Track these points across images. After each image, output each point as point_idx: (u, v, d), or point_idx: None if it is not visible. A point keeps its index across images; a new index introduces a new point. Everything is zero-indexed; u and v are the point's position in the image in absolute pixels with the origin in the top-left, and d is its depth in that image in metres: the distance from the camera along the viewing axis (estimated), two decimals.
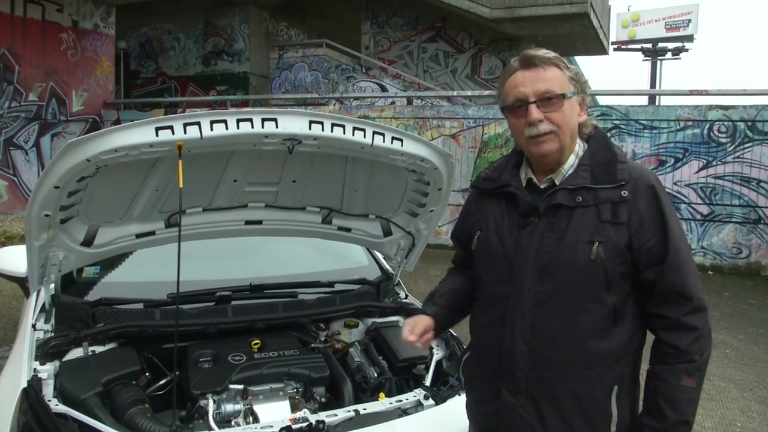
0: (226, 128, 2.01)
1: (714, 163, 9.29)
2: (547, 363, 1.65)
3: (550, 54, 1.69)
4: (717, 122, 9.21)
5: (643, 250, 1.60)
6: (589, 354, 1.63)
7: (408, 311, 3.07)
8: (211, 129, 1.99)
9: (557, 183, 1.69)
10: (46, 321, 2.65)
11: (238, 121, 2.02)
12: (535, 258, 1.66)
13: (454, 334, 2.93)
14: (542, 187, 1.72)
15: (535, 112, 1.64)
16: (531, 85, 1.65)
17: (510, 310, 1.70)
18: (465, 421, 2.11)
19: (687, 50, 24.13)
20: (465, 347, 2.02)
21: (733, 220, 9.26)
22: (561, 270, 1.63)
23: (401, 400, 2.35)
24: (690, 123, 9.36)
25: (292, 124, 2.09)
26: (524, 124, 1.67)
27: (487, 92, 13.03)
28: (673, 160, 9.51)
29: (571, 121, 1.67)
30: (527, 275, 1.67)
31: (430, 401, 2.37)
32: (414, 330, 1.88)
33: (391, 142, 2.29)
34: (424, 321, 1.91)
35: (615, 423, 1.64)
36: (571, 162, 1.70)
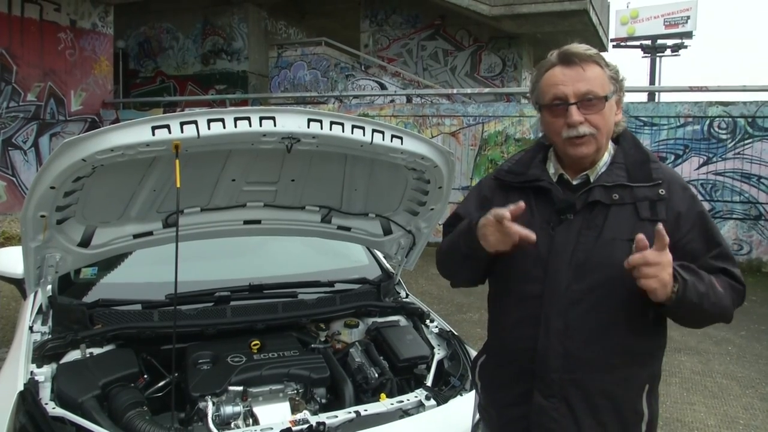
0: (224, 127, 1.98)
1: (714, 159, 9.27)
2: (582, 363, 1.61)
3: (592, 51, 1.63)
4: (717, 118, 9.20)
5: (678, 246, 1.56)
6: (626, 353, 1.61)
7: (408, 310, 3.05)
8: (209, 128, 1.97)
9: (592, 180, 1.66)
10: (44, 323, 2.63)
11: (236, 119, 2.00)
12: (572, 256, 1.62)
13: (455, 333, 2.92)
14: (575, 183, 1.69)
15: (576, 114, 1.59)
16: (572, 85, 1.59)
17: (545, 310, 1.64)
18: (467, 422, 2.09)
19: (686, 47, 24.13)
20: (480, 350, 1.94)
21: (734, 216, 9.25)
22: (599, 268, 1.59)
23: (402, 401, 2.33)
24: (690, 119, 9.34)
25: (291, 122, 2.07)
26: (563, 125, 1.62)
27: (486, 90, 13.02)
28: (673, 157, 9.49)
29: (610, 122, 1.64)
30: (563, 273, 1.62)
31: (432, 402, 2.34)
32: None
33: (391, 140, 2.27)
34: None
35: (645, 422, 1.64)
36: (605, 160, 1.69)
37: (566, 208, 1.66)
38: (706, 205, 9.24)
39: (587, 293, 1.60)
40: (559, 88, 1.61)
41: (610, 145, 1.71)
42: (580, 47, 1.63)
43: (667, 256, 1.46)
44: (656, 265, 1.44)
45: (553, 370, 1.63)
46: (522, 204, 1.57)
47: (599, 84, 1.59)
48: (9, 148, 11.87)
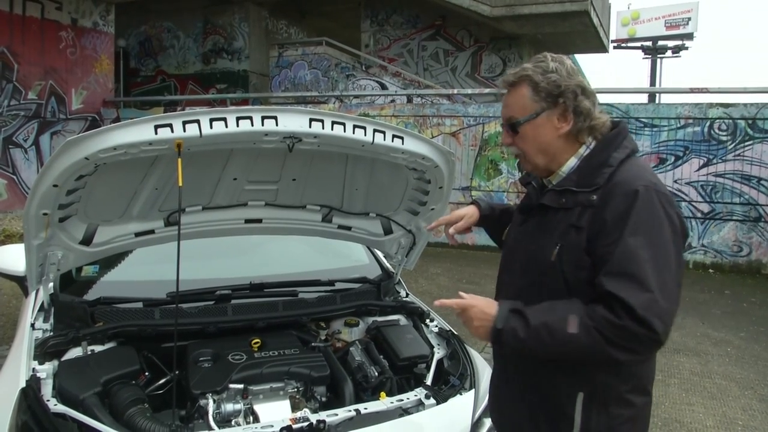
0: (226, 126, 1.99)
1: (714, 161, 9.28)
2: (518, 357, 1.72)
3: (522, 72, 1.68)
4: (717, 120, 9.21)
5: (597, 254, 1.54)
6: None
7: (408, 310, 3.06)
8: (211, 127, 1.98)
9: (554, 183, 1.72)
10: (45, 320, 2.64)
11: (238, 119, 2.01)
12: (523, 252, 1.74)
13: (455, 332, 2.92)
14: (549, 187, 1.75)
15: (504, 137, 1.76)
16: (503, 110, 1.74)
17: (501, 294, 1.81)
18: (466, 421, 2.10)
19: (687, 48, 24.13)
20: None
21: (734, 218, 9.26)
22: (533, 268, 1.67)
23: (402, 400, 2.34)
24: (690, 121, 9.35)
25: (292, 122, 2.08)
26: None
27: (487, 90, 13.02)
28: (673, 158, 9.50)
29: (537, 141, 1.68)
30: (511, 269, 1.79)
31: (432, 400, 2.35)
32: (458, 225, 2.09)
33: (392, 140, 2.28)
34: (471, 218, 2.11)
35: (578, 428, 1.61)
36: (570, 164, 1.71)
37: (525, 210, 1.80)
38: (705, 207, 9.30)
39: (523, 290, 1.69)
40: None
41: (585, 148, 1.70)
42: (511, 72, 1.71)
43: (467, 313, 1.62)
44: (463, 314, 1.64)
45: (508, 359, 1.80)
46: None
47: (519, 107, 1.68)
48: (10, 147, 11.87)
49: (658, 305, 1.45)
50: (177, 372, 2.29)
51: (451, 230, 2.10)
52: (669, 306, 1.48)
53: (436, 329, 2.95)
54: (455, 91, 13.56)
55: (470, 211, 2.12)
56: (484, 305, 1.61)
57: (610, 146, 1.67)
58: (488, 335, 1.60)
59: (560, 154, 1.70)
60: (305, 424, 2.09)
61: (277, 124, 2.05)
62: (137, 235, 2.61)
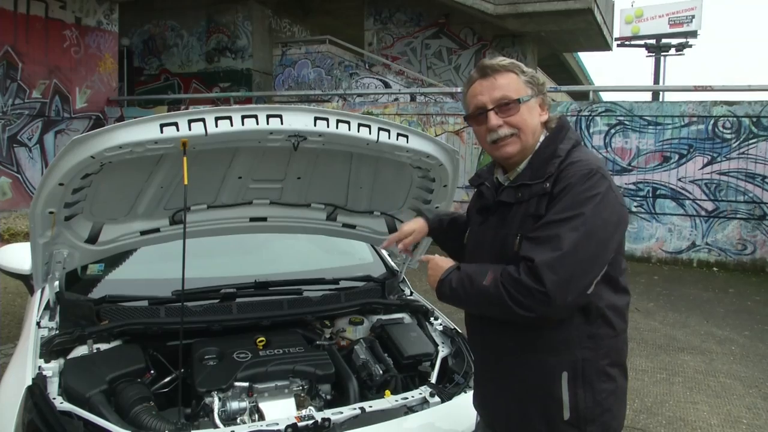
0: (231, 125, 2.00)
1: (719, 159, 9.26)
2: (499, 348, 1.78)
3: (505, 61, 1.79)
4: (722, 118, 9.18)
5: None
6: (532, 340, 1.69)
7: (413, 308, 3.07)
8: (216, 126, 1.99)
9: (511, 180, 1.80)
10: (51, 318, 2.64)
11: (243, 117, 2.01)
12: (488, 250, 1.79)
13: (460, 331, 2.92)
14: (506, 185, 1.81)
15: (493, 119, 1.75)
16: (488, 94, 1.75)
17: None
18: (471, 419, 2.10)
19: (691, 46, 24.04)
20: None
21: (738, 216, 9.24)
22: (501, 260, 1.70)
23: (407, 398, 2.34)
24: (694, 119, 9.33)
25: (297, 120, 2.08)
26: (485, 131, 1.78)
27: None
28: (677, 156, 9.48)
29: (531, 122, 1.76)
30: None
31: (436, 398, 2.35)
32: (405, 241, 2.16)
33: (397, 139, 2.28)
34: (420, 233, 2.18)
35: (568, 408, 1.67)
36: (526, 160, 1.79)
37: (483, 209, 1.86)
38: (709, 205, 9.28)
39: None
40: (478, 98, 1.78)
41: (539, 146, 1.79)
42: (494, 60, 1.79)
43: (429, 265, 1.84)
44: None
45: (481, 356, 1.89)
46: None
47: (513, 89, 1.74)
48: (14, 145, 11.90)
49: (560, 265, 1.53)
50: (182, 370, 2.30)
51: (400, 246, 2.17)
52: (571, 273, 1.54)
53: (440, 327, 2.95)
54: (459, 90, 13.51)
55: (418, 226, 2.18)
56: (441, 261, 1.82)
57: (555, 139, 1.77)
58: (435, 285, 1.78)
59: (534, 143, 1.79)
60: (310, 422, 2.09)
61: (282, 123, 2.06)
62: (142, 233, 2.62)
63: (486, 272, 1.65)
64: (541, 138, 1.80)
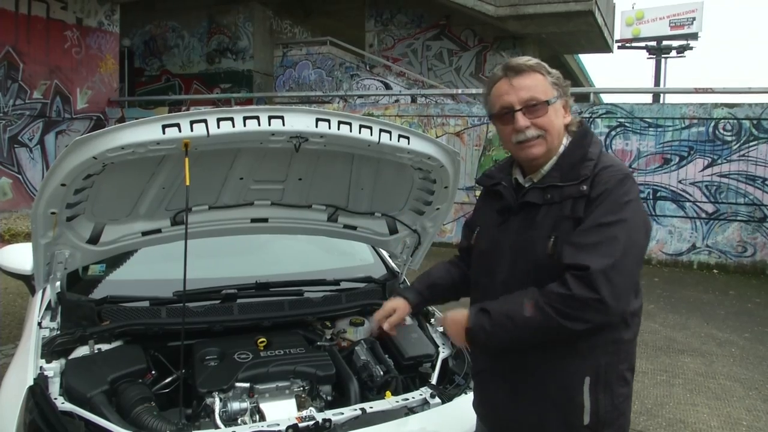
0: (233, 126, 2.00)
1: (719, 161, 9.27)
2: (518, 354, 1.72)
3: (532, 61, 1.77)
4: (722, 120, 9.19)
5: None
6: (552, 347, 1.66)
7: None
8: (218, 127, 1.99)
9: (535, 182, 1.78)
10: (52, 319, 2.64)
11: (245, 118, 2.01)
12: (509, 251, 1.76)
13: None
14: (526, 186, 1.80)
15: (521, 120, 1.72)
16: (516, 94, 1.73)
17: (481, 299, 1.79)
18: (471, 420, 2.10)
19: (691, 48, 24.08)
20: None
21: (738, 218, 9.24)
22: (526, 262, 1.70)
23: (407, 399, 2.34)
24: (695, 121, 9.34)
25: (299, 121, 2.09)
26: (511, 131, 1.75)
27: None
28: (678, 159, 9.48)
29: (557, 124, 1.75)
30: (501, 267, 1.78)
31: (437, 400, 2.36)
32: (391, 320, 2.11)
33: (398, 140, 2.28)
34: (403, 310, 2.13)
35: (589, 413, 1.66)
36: (552, 162, 1.77)
37: (505, 209, 1.82)
38: (710, 207, 9.28)
39: (516, 284, 1.70)
40: (504, 98, 1.75)
41: (563, 147, 1.79)
42: (521, 59, 1.77)
43: (445, 327, 1.90)
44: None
45: (493, 364, 1.83)
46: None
47: (541, 90, 1.73)
48: (15, 146, 11.91)
49: (614, 271, 1.53)
50: (183, 370, 2.30)
51: (386, 326, 2.12)
52: (623, 279, 1.55)
53: (440, 329, 2.95)
54: (459, 91, 13.55)
55: (399, 305, 2.14)
56: (454, 314, 1.80)
57: (582, 142, 1.77)
58: (464, 337, 1.73)
59: (559, 145, 1.78)
60: (311, 422, 2.10)
61: (283, 124, 2.06)
62: (144, 234, 2.62)
63: (520, 303, 1.61)
64: (565, 140, 1.78)
